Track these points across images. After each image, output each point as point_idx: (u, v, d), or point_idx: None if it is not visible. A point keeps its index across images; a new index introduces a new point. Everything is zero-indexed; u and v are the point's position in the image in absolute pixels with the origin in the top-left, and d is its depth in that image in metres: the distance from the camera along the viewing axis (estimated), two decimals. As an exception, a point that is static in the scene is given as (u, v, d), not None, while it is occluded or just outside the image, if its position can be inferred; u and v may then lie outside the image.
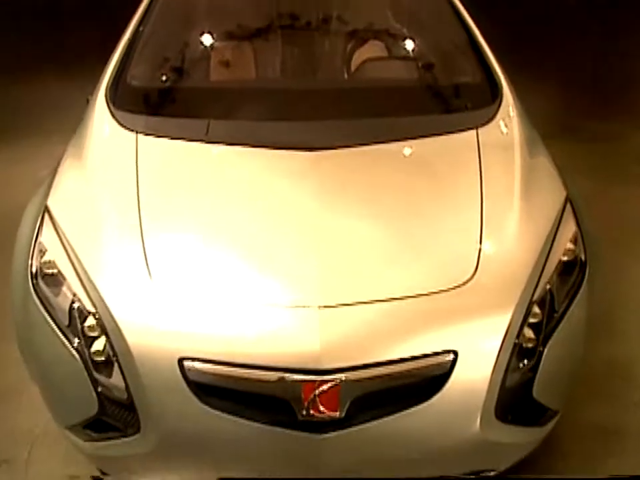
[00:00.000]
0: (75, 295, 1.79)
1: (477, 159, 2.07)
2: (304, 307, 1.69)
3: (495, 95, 2.35)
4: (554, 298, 1.83)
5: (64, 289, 1.82)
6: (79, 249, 1.84)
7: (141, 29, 2.61)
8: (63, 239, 1.88)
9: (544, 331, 1.79)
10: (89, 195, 1.98)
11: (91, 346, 1.74)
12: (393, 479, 1.74)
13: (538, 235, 1.91)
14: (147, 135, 2.15)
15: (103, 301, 1.74)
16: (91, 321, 1.75)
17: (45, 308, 1.82)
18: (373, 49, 2.74)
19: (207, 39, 2.74)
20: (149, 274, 1.77)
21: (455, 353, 1.67)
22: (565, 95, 4.95)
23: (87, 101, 2.41)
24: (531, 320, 1.77)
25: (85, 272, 1.80)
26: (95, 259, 1.82)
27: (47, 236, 1.92)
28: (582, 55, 5.73)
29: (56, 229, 1.91)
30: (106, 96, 2.32)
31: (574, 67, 5.50)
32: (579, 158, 3.84)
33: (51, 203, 2.00)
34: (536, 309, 1.79)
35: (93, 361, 1.74)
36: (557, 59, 5.61)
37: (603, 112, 4.71)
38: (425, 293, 1.74)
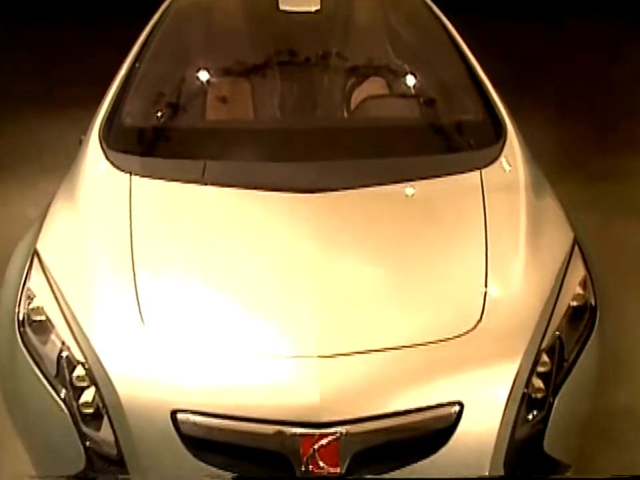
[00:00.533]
0: (63, 343, 1.77)
1: (481, 201, 2.07)
2: (303, 357, 1.67)
3: (499, 134, 2.36)
4: (563, 345, 1.81)
5: (52, 336, 1.80)
6: (69, 295, 1.83)
7: (137, 65, 2.63)
8: (52, 285, 1.87)
9: (554, 380, 1.77)
10: (81, 238, 1.98)
11: (79, 397, 1.71)
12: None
13: (545, 280, 1.90)
14: (141, 176, 2.15)
15: (92, 349, 1.73)
16: (79, 370, 1.73)
17: (32, 357, 1.80)
18: (373, 87, 2.76)
19: (203, 77, 2.76)
20: (142, 321, 1.76)
21: (461, 404, 1.65)
22: (568, 125, 4.99)
23: (80, 142, 2.42)
24: (540, 369, 1.76)
25: (75, 319, 1.78)
26: (85, 305, 1.81)
27: (36, 281, 1.91)
28: (584, 82, 5.80)
29: (45, 274, 1.90)
30: (99, 136, 2.32)
31: (575, 96, 5.56)
32: (584, 193, 3.86)
33: (40, 246, 1.99)
34: (545, 358, 1.77)
35: (81, 413, 1.71)
36: (557, 88, 5.68)
37: (606, 145, 4.75)
38: (429, 341, 1.73)
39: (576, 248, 2.03)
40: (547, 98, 5.43)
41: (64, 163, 2.41)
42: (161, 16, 2.90)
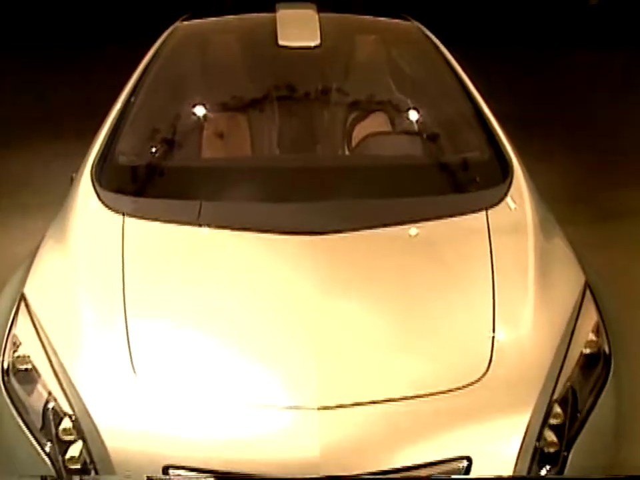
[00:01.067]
0: (50, 393, 1.74)
1: (488, 243, 2.06)
2: (302, 408, 1.65)
3: (505, 174, 2.35)
4: (577, 396, 1.79)
5: (38, 387, 1.77)
6: (57, 343, 1.81)
7: (132, 99, 2.65)
8: (39, 331, 1.85)
9: (567, 433, 1.73)
10: (70, 282, 1.96)
11: (65, 452, 1.68)
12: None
13: (556, 326, 1.88)
14: (134, 217, 2.14)
15: (81, 401, 1.70)
16: (66, 423, 1.70)
17: (16, 408, 1.77)
18: (374, 124, 2.78)
19: (200, 114, 2.78)
20: (134, 371, 1.74)
21: (469, 459, 1.62)
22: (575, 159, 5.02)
23: (71, 180, 2.42)
24: (552, 421, 1.73)
25: (63, 369, 1.76)
26: (74, 354, 1.78)
27: (22, 327, 1.88)
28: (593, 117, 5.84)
29: (32, 320, 1.88)
30: (91, 174, 2.31)
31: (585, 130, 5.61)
32: (595, 232, 3.85)
33: (27, 290, 1.97)
34: (557, 409, 1.74)
35: (67, 469, 1.68)
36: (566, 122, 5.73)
37: (617, 180, 4.77)
38: (435, 391, 1.70)
39: (587, 292, 2.01)
40: (553, 131, 5.48)
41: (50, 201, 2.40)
42: (157, 50, 2.92)
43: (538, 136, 4.87)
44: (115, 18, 8.08)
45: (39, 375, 1.78)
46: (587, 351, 1.87)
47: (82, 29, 7.89)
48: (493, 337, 1.83)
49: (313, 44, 2.82)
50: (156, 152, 2.56)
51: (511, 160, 2.40)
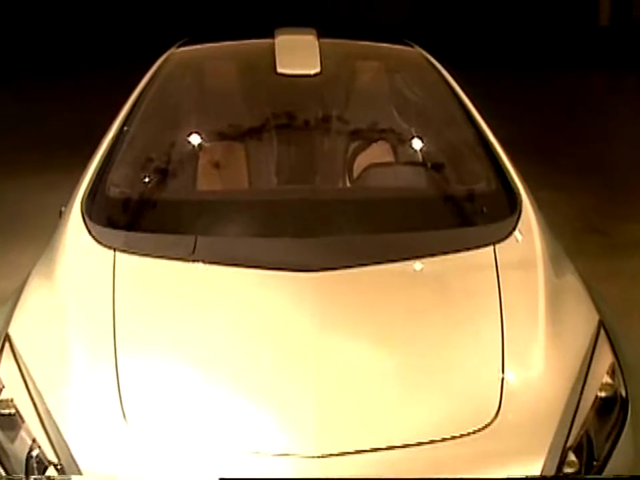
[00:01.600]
0: (34, 440, 1.72)
1: (495, 280, 2.05)
2: (302, 456, 1.62)
3: (513, 207, 2.34)
4: (592, 442, 1.76)
5: (22, 433, 1.74)
6: (43, 387, 1.79)
7: (125, 128, 2.65)
8: (24, 374, 1.83)
9: None
10: (58, 322, 1.94)
11: None
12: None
13: (569, 367, 1.86)
14: (126, 252, 2.13)
15: (67, 448, 1.68)
16: (51, 472, 1.67)
17: None
18: (376, 154, 2.78)
19: (194, 145, 2.78)
20: (124, 418, 1.71)
21: None
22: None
23: (60, 213, 2.41)
24: (567, 470, 1.69)
25: (49, 414, 1.73)
26: (60, 398, 1.76)
27: (6, 370, 1.86)
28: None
29: (17, 362, 1.86)
30: (81, 208, 2.30)
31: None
32: (607, 264, 3.84)
33: (12, 330, 1.95)
34: (572, 457, 1.71)
35: None
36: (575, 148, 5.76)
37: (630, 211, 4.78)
38: (440, 438, 1.68)
39: (602, 331, 1.99)
40: (563, 160, 5.51)
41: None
42: (152, 77, 2.93)
43: (541, 160, 4.91)
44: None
45: (23, 420, 1.75)
46: (603, 394, 1.84)
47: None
48: (503, 379, 1.81)
49: (313, 72, 2.81)
50: (149, 184, 2.55)
51: (518, 191, 2.39)
